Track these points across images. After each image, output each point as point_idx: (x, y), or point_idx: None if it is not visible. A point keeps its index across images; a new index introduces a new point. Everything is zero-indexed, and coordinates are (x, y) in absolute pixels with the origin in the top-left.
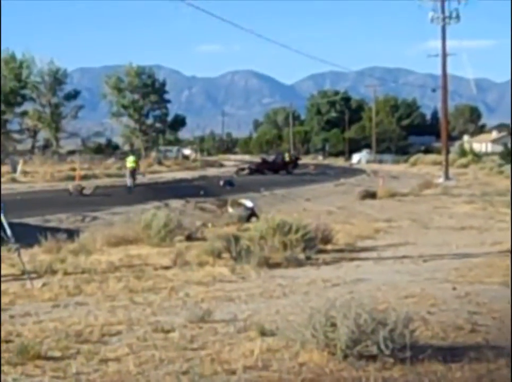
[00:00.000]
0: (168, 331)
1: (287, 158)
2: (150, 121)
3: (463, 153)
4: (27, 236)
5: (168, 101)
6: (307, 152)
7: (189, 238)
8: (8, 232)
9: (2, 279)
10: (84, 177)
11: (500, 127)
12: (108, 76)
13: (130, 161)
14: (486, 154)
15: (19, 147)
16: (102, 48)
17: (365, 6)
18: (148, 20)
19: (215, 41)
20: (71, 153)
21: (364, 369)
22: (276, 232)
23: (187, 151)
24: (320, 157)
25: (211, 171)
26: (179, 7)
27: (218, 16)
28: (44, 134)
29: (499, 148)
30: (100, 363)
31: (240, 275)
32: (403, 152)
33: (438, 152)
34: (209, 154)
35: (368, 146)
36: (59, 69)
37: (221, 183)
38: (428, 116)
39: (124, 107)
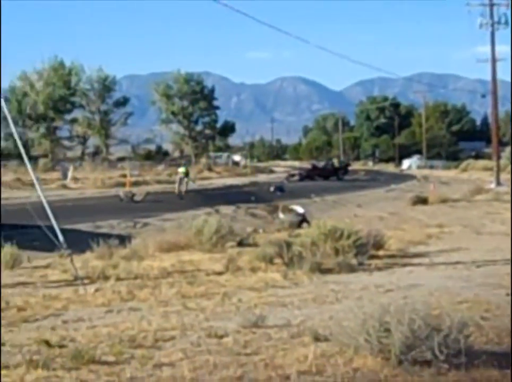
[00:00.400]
0: (221, 337)
1: (336, 164)
2: (199, 127)
3: None
4: (79, 242)
5: (217, 108)
6: (357, 158)
7: (240, 244)
8: (60, 237)
9: (55, 284)
10: (135, 183)
11: None
12: (156, 83)
13: (181, 170)
14: None
15: (70, 154)
16: (150, 55)
17: (414, 12)
18: (196, 27)
19: (264, 48)
20: (121, 159)
21: (418, 375)
22: (328, 237)
23: (237, 157)
24: (370, 163)
25: (261, 177)
26: (229, 13)
27: (267, 23)
28: (94, 141)
29: None
30: (154, 368)
31: (292, 281)
32: (453, 157)
33: (489, 157)
34: (259, 160)
35: (418, 152)
36: (107, 76)
37: (272, 189)
38: (478, 122)
39: (173, 114)
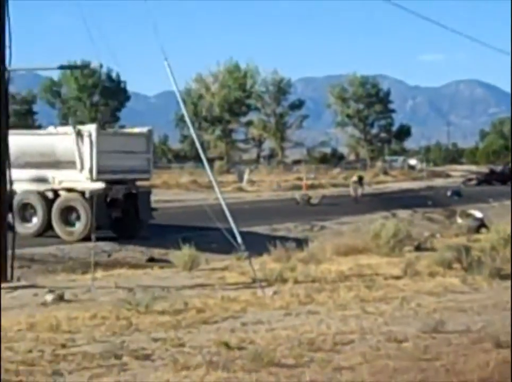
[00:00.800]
0: (400, 341)
1: None
2: (375, 130)
3: None
4: (257, 245)
5: (393, 111)
6: None
7: (418, 248)
8: (239, 240)
9: (233, 287)
10: (310, 186)
11: None
12: (332, 86)
13: (356, 175)
14: None
15: (245, 156)
16: (326, 58)
17: None
18: (370, 29)
19: (439, 50)
20: (297, 162)
21: None
22: (507, 243)
23: (412, 161)
24: None
25: (438, 182)
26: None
27: (442, 25)
28: (269, 143)
29: None
30: (333, 371)
31: (471, 286)
32: None
33: None
34: (435, 165)
35: None
36: (283, 78)
37: (448, 193)
38: None
39: (349, 117)
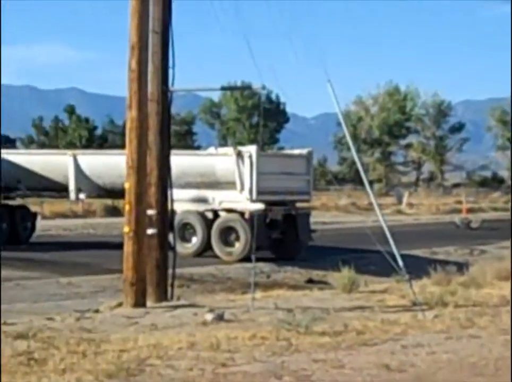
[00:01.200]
0: None
1: None
2: None
3: None
4: (416, 267)
5: None
6: None
7: None
8: (400, 263)
9: (393, 309)
10: (470, 210)
11: None
12: (493, 109)
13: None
14: None
15: (404, 179)
16: (487, 80)
17: None
18: None
19: None
20: (456, 185)
21: None
22: None
23: None
24: None
25: None
26: None
27: None
28: (428, 166)
29: None
30: None
31: None
32: None
33: None
34: None
35: None
36: (443, 101)
37: None
38: None
39: (510, 140)
